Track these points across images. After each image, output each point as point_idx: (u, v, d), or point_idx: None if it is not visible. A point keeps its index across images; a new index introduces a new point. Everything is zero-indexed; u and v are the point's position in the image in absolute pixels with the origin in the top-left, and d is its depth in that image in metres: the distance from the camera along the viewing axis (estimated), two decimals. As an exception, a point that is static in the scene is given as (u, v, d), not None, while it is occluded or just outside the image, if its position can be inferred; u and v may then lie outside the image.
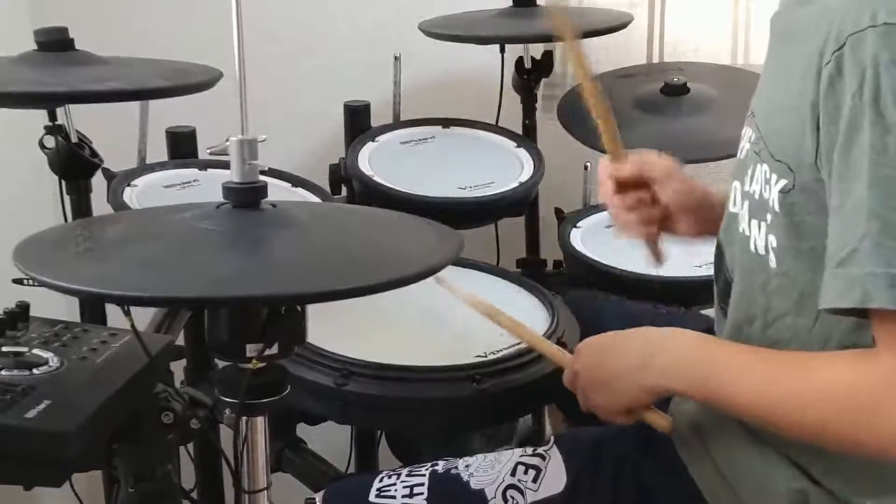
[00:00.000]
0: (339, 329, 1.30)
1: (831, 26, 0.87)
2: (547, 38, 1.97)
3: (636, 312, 1.47)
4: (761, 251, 0.99)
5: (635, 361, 1.04)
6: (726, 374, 0.96)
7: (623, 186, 1.26)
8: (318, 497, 1.18)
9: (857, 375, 0.87)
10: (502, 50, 2.01)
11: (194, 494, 1.47)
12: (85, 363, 0.97)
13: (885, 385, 0.84)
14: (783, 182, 0.94)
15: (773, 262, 0.98)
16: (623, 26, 1.88)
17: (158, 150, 1.69)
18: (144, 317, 1.45)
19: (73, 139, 1.50)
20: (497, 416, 1.40)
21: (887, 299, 0.81)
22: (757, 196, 0.99)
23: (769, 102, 1.00)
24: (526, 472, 1.13)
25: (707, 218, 1.22)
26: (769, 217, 0.97)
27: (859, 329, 0.91)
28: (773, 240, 0.97)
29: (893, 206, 0.82)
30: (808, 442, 0.93)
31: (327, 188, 1.73)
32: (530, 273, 1.90)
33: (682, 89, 1.87)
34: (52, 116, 1.48)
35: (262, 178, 0.98)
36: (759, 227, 0.99)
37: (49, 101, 1.40)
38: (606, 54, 2.10)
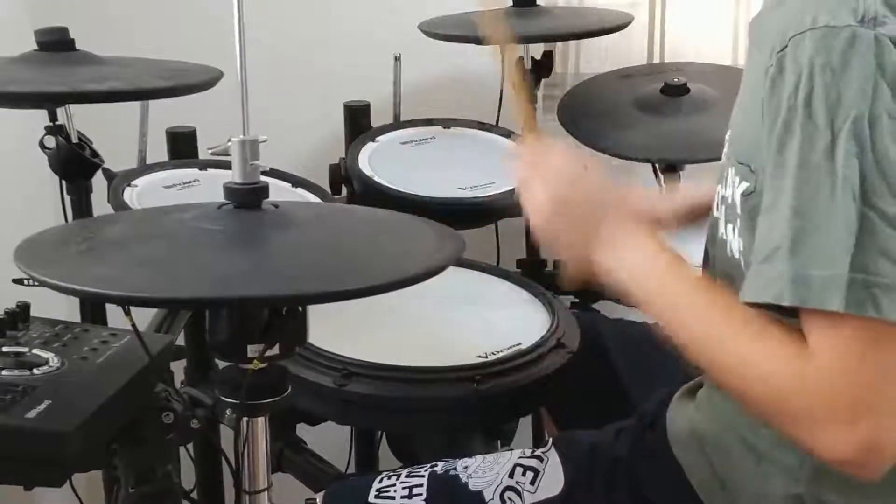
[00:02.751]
0: (339, 329, 1.30)
1: (782, 28, 0.87)
2: (547, 39, 1.98)
3: (634, 334, 1.46)
4: (735, 255, 0.99)
5: (598, 234, 1.02)
6: (684, 312, 0.95)
7: None
8: (319, 497, 1.19)
9: (781, 364, 0.85)
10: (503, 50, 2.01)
11: (194, 494, 1.47)
12: (85, 363, 0.97)
13: (813, 380, 0.83)
14: (745, 185, 0.94)
15: (742, 266, 0.97)
16: (623, 26, 1.88)
17: (158, 150, 1.69)
18: (145, 317, 1.45)
19: (74, 139, 1.50)
20: (497, 417, 1.39)
21: (798, 297, 0.82)
22: (729, 200, 0.99)
23: (738, 108, 1.01)
24: (524, 474, 1.13)
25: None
26: (738, 221, 0.97)
27: None
28: (740, 243, 0.97)
29: (811, 210, 0.82)
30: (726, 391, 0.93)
31: (327, 188, 1.72)
32: (530, 273, 1.90)
33: (682, 89, 1.87)
34: (53, 116, 1.49)
35: (262, 178, 0.98)
36: (733, 232, 0.99)
37: (49, 101, 1.40)
38: (606, 54, 2.10)
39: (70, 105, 1.47)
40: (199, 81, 1.37)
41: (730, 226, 1.00)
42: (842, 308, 0.80)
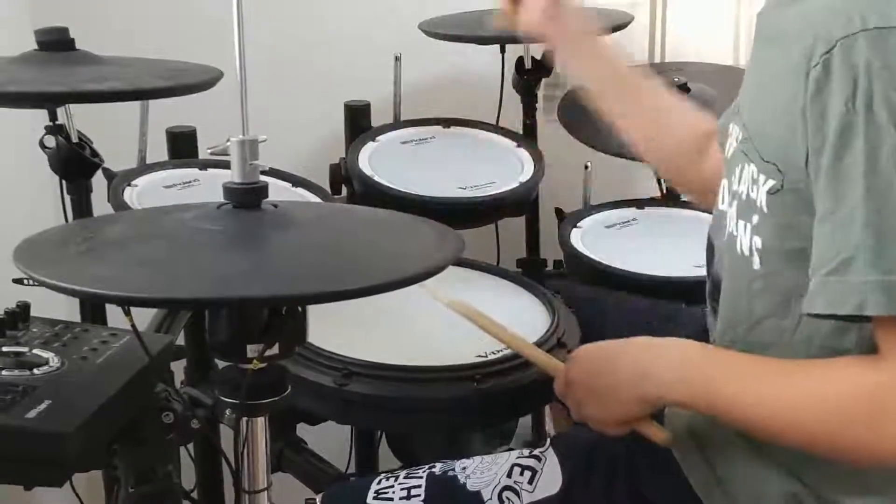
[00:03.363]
0: (339, 329, 1.30)
1: (819, 28, 0.86)
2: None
3: (637, 308, 1.47)
4: (746, 252, 0.99)
5: (633, 372, 1.02)
6: (727, 386, 0.95)
7: None
8: (318, 498, 1.19)
9: (855, 384, 0.86)
10: (503, 50, 2.01)
11: (194, 494, 1.47)
12: (85, 363, 0.97)
13: (888, 390, 0.83)
14: (771, 183, 0.93)
15: (756, 264, 0.97)
16: (623, 26, 1.88)
17: (158, 150, 1.69)
18: (145, 317, 1.45)
19: (74, 139, 1.50)
20: (497, 416, 1.40)
21: (885, 306, 0.81)
22: (744, 196, 0.98)
23: (757, 105, 1.00)
24: (522, 474, 1.13)
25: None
26: (755, 218, 0.96)
27: (841, 333, 0.91)
28: (757, 241, 0.97)
29: (888, 216, 0.82)
30: (807, 452, 0.92)
31: (327, 188, 1.72)
32: (530, 273, 1.91)
33: (682, 89, 1.87)
34: (53, 116, 1.48)
35: (262, 178, 0.98)
36: (745, 229, 0.98)
37: (49, 100, 1.40)
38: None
39: (70, 105, 1.46)
40: (199, 81, 1.37)
41: (741, 222, 0.99)
42: None
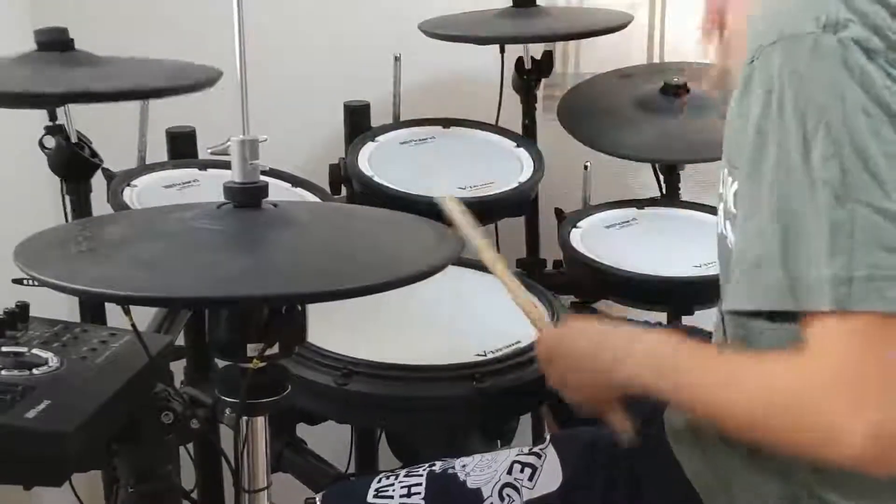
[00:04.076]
0: (339, 328, 1.30)
1: (757, 33, 0.89)
2: (547, 38, 1.98)
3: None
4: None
5: (611, 358, 1.04)
6: (687, 375, 0.96)
7: None
8: (318, 498, 1.19)
9: (794, 376, 0.85)
10: (502, 50, 2.01)
11: (194, 494, 1.47)
12: (85, 363, 0.97)
13: (820, 385, 0.83)
14: (736, 185, 0.95)
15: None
16: (623, 26, 1.88)
17: (158, 150, 1.69)
18: (145, 317, 1.45)
19: (74, 139, 1.50)
20: (497, 415, 1.39)
21: (794, 301, 0.83)
22: (725, 198, 1.00)
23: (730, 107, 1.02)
24: (522, 471, 1.13)
25: None
26: (732, 219, 0.98)
27: None
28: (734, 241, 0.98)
29: (793, 215, 0.84)
30: (757, 444, 0.92)
31: (327, 188, 1.73)
32: (530, 273, 1.91)
33: (682, 89, 1.87)
34: (53, 116, 1.49)
35: (262, 178, 0.99)
36: (728, 229, 1.00)
37: (49, 101, 1.40)
38: (606, 54, 2.10)
39: (70, 105, 1.46)
40: (199, 81, 1.37)
41: (727, 222, 1.01)
42: (842, 305, 0.80)
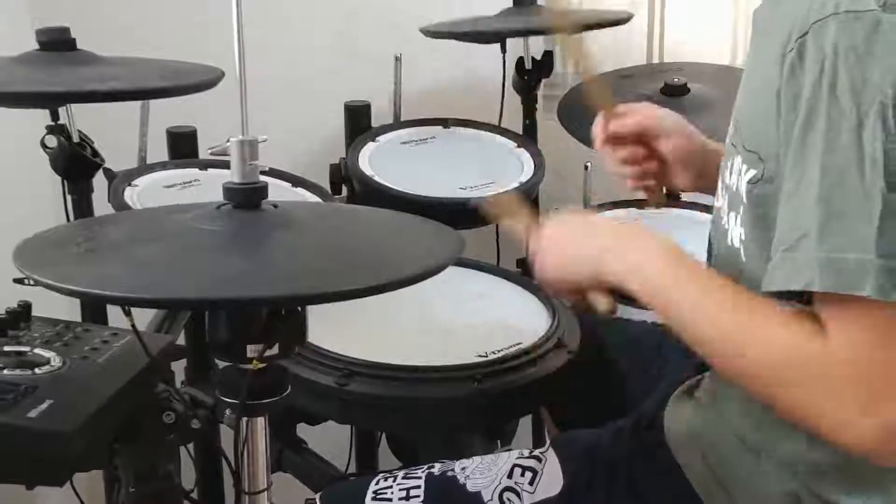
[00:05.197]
0: (339, 329, 1.30)
1: (798, 16, 0.87)
2: (547, 31, 1.97)
3: (634, 333, 1.46)
4: (735, 244, 1.00)
5: (603, 247, 1.03)
6: (683, 294, 0.95)
7: (620, 140, 1.31)
8: (318, 498, 1.19)
9: (810, 347, 0.85)
10: (503, 49, 2.01)
11: (194, 494, 1.47)
12: (86, 363, 0.97)
13: (836, 363, 0.82)
14: (752, 172, 0.94)
15: (742, 256, 0.98)
16: (623, 21, 1.88)
17: (159, 150, 1.70)
18: (145, 317, 1.45)
19: (75, 139, 1.50)
20: (497, 416, 1.40)
21: (828, 283, 0.81)
22: (734, 188, 0.99)
23: (742, 94, 1.01)
24: (522, 475, 1.12)
25: (704, 173, 1.27)
26: (741, 209, 0.97)
27: None
28: (742, 232, 0.98)
29: (840, 194, 0.82)
30: (753, 392, 0.91)
31: (327, 188, 1.73)
32: (530, 273, 1.90)
33: (682, 89, 1.87)
34: (54, 116, 1.49)
35: (262, 178, 0.99)
36: (735, 220, 0.99)
37: (51, 100, 1.40)
38: (606, 54, 2.10)
39: (71, 105, 1.47)
40: (199, 81, 1.37)
41: (732, 214, 1.00)
42: (873, 293, 0.79)
